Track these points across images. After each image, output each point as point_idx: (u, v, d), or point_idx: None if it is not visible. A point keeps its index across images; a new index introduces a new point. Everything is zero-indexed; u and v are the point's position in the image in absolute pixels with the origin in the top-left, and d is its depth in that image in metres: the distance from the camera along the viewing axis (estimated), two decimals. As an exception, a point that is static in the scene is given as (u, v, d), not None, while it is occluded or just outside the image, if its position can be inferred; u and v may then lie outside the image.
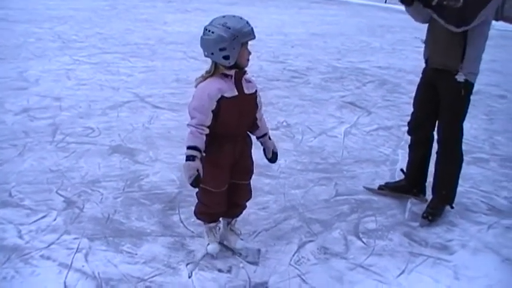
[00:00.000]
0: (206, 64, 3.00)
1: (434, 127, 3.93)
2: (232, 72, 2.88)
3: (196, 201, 3.24)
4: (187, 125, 2.88)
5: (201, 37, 2.84)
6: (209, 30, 2.80)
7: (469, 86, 3.69)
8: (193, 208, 3.30)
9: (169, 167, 4.46)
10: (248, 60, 2.90)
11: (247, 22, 2.82)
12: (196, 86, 2.93)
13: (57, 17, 14.37)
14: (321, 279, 3.07)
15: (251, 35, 2.82)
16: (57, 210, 3.66)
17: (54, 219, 3.54)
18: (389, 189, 4.27)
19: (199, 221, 3.33)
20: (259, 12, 18.74)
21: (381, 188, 4.29)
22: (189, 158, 2.83)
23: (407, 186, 4.22)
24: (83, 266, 3.02)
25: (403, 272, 3.20)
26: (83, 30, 12.00)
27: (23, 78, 7.35)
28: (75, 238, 3.31)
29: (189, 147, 2.85)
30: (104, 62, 8.46)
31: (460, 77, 3.61)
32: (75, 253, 3.14)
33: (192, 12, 16.12)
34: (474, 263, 3.36)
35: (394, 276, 3.16)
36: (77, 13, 15.21)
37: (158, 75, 7.07)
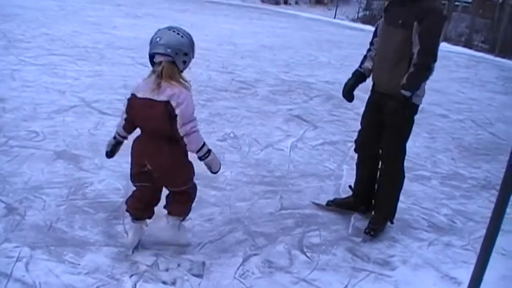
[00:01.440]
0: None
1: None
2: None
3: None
4: (193, 130, 3.03)
5: (173, 34, 3.02)
6: (179, 33, 3.02)
7: (413, 107, 3.78)
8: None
9: (114, 175, 4.40)
10: None
11: None
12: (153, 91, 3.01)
13: (3, 14, 14.00)
14: (264, 293, 3.10)
15: None
16: (-3, 217, 3.57)
17: (-6, 226, 3.45)
18: (337, 205, 4.32)
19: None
20: (209, 20, 18.76)
21: (328, 204, 4.34)
22: (210, 150, 3.16)
23: (355, 203, 4.27)
24: (23, 276, 2.94)
25: (345, 286, 3.26)
26: (29, 30, 11.75)
27: (-35, 77, 7.16)
28: (16, 246, 3.21)
29: (204, 144, 3.11)
30: (50, 64, 8.30)
31: (406, 93, 3.62)
32: (16, 262, 3.06)
33: (143, 18, 15.99)
34: (415, 279, 3.45)
35: (336, 291, 3.21)
36: (24, 11, 14.87)
37: (105, 80, 6.99)
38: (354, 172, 4.29)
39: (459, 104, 9.62)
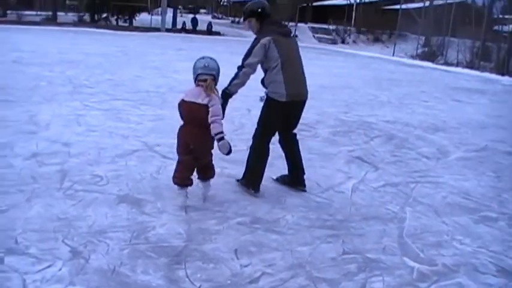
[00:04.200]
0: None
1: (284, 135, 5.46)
2: None
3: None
4: (217, 120, 4.48)
5: (213, 61, 4.71)
6: (215, 61, 4.76)
7: (269, 100, 5.09)
8: (199, 263, 3.28)
9: (176, 220, 4.44)
10: None
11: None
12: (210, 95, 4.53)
13: (68, 61, 14.60)
14: None
15: None
16: (62, 260, 3.62)
17: (60, 269, 3.50)
18: (282, 181, 5.59)
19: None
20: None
21: (277, 179, 5.63)
22: (223, 137, 4.51)
23: (290, 180, 5.51)
24: (87, 320, 2.98)
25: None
26: (93, 76, 12.17)
27: (33, 122, 7.43)
28: (80, 290, 3.27)
29: (221, 132, 4.49)
30: (114, 108, 8.54)
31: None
32: (80, 306, 3.11)
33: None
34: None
35: None
36: (87, 58, 15.45)
37: (167, 124, 7.11)
38: (418, 214, 4.21)
39: (525, 140, 9.31)
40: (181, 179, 4.70)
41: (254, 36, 5.11)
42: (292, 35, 5.38)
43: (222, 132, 4.46)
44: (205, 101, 4.49)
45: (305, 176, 5.50)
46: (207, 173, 4.89)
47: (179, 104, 4.67)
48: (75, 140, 6.60)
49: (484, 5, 41.39)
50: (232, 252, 3.96)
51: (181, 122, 4.72)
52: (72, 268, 3.53)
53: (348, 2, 57.13)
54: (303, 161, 5.51)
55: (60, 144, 6.40)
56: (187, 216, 4.53)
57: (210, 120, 4.46)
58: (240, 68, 4.98)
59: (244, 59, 4.97)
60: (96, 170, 5.57)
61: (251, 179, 5.21)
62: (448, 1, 38.65)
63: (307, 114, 9.43)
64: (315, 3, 61.84)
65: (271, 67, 4.95)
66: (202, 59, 4.70)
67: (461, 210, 5.32)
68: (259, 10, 5.08)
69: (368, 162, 6.75)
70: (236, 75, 4.98)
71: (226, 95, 4.98)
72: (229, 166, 5.77)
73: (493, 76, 23.12)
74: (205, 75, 4.58)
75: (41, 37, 23.98)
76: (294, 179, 5.46)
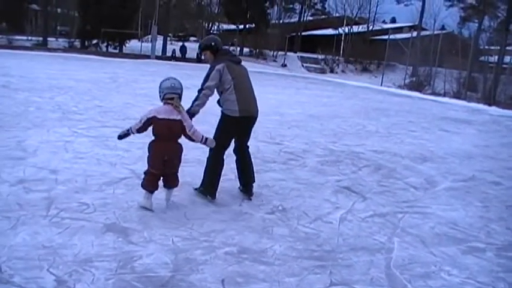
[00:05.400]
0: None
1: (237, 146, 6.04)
2: None
3: None
4: (194, 130, 5.33)
5: (177, 81, 5.39)
6: (179, 81, 5.42)
7: (224, 116, 5.84)
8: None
9: (163, 249, 4.40)
10: None
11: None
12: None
13: (57, 87, 14.60)
14: None
15: None
16: (47, 290, 3.59)
17: (44, 300, 3.47)
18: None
19: None
20: (256, 91, 19.03)
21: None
22: (207, 138, 5.48)
23: (241, 187, 6.16)
24: None
25: None
26: (82, 102, 12.16)
27: (21, 148, 7.40)
28: (65, 321, 3.23)
29: (203, 136, 5.40)
30: (102, 135, 8.52)
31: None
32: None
33: (191, 89, 16.32)
34: None
35: None
36: (77, 84, 15.45)
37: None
38: (406, 245, 4.21)
39: (512, 170, 9.37)
40: (152, 186, 5.29)
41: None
42: (241, 63, 6.09)
43: (203, 136, 5.38)
44: (178, 117, 5.18)
45: (291, 205, 5.55)
46: (174, 182, 5.44)
47: (152, 121, 5.19)
48: (63, 167, 6.56)
49: (470, 36, 42.04)
50: (219, 283, 3.93)
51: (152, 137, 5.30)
52: (57, 298, 3.49)
53: (337, 32, 57.80)
54: (291, 191, 5.51)
55: (48, 171, 6.36)
56: (174, 246, 4.50)
57: (190, 132, 5.26)
58: (200, 91, 5.69)
59: (203, 84, 5.70)
60: (83, 197, 5.53)
61: (208, 188, 5.82)
62: (435, 32, 39.21)
63: (295, 144, 9.53)
64: (304, 33, 62.45)
65: (225, 89, 5.72)
66: (167, 80, 5.36)
67: (449, 240, 5.33)
68: (212, 44, 5.97)
69: (356, 192, 6.75)
70: (197, 98, 5.69)
71: (190, 114, 5.53)
72: (217, 195, 5.77)
73: (480, 106, 23.35)
74: (172, 94, 5.23)
75: (31, 62, 23.99)
76: (244, 187, 6.11)
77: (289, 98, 18.17)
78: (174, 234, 4.70)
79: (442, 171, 8.41)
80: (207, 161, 5.91)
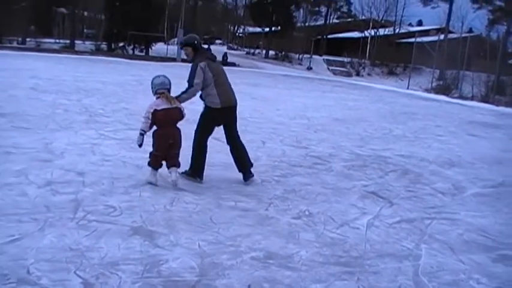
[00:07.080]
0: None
1: (227, 135, 6.74)
2: None
3: None
4: (184, 111, 6.33)
5: (166, 78, 6.30)
6: (167, 77, 6.35)
7: (207, 108, 6.60)
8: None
9: (189, 253, 4.39)
10: None
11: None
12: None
13: (84, 89, 14.73)
14: None
15: None
16: (74, 292, 3.60)
17: (71, 302, 3.48)
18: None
19: None
20: (282, 94, 19.04)
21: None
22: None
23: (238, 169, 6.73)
24: None
25: None
26: (109, 105, 12.25)
27: (49, 150, 7.47)
28: (91, 325, 3.23)
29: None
30: (128, 138, 8.55)
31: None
32: None
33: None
34: None
35: None
36: (104, 86, 15.58)
37: (182, 156, 7.09)
38: (434, 252, 4.14)
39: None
40: (157, 164, 6.23)
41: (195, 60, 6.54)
42: (217, 60, 6.82)
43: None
44: (174, 105, 6.17)
45: (318, 210, 5.54)
46: (177, 161, 6.25)
47: (153, 114, 6.09)
48: (89, 170, 6.61)
49: (498, 39, 41.47)
50: (246, 288, 3.91)
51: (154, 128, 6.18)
52: (84, 301, 3.50)
53: (363, 35, 57.48)
54: (318, 196, 5.46)
55: (75, 173, 6.42)
56: (200, 250, 4.49)
57: (184, 113, 6.33)
58: (190, 86, 6.42)
59: (190, 80, 6.41)
60: (109, 200, 5.56)
61: (196, 171, 6.55)
62: (462, 35, 38.76)
63: (321, 148, 9.48)
64: (329, 36, 62.27)
65: (207, 85, 6.42)
66: (158, 77, 6.28)
67: (479, 248, 5.23)
68: (195, 42, 6.59)
69: (383, 198, 6.68)
70: (186, 91, 6.46)
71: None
72: (243, 199, 5.75)
73: (508, 110, 22.98)
74: (162, 89, 6.21)
75: (59, 65, 24.26)
76: (243, 173, 6.68)
77: (315, 101, 18.09)
78: (200, 238, 4.69)
79: (470, 177, 8.28)
80: (193, 148, 6.61)
